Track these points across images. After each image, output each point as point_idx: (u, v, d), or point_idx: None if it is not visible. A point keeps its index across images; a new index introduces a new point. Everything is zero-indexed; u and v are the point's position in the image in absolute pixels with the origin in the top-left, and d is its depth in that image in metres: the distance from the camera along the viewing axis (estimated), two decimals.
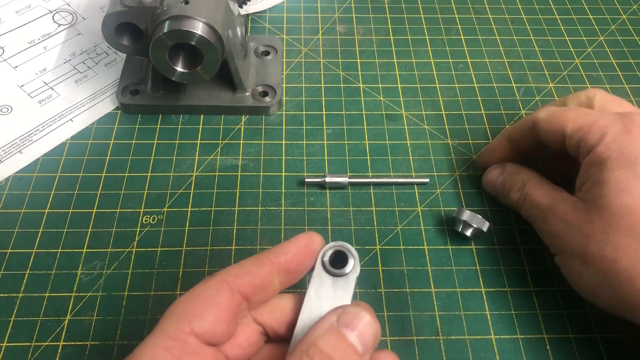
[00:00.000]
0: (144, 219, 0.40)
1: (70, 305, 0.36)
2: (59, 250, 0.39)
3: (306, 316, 0.28)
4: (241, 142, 0.46)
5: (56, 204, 0.41)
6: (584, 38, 0.56)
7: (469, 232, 0.39)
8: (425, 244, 0.40)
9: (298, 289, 0.34)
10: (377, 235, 0.40)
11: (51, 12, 0.55)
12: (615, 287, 0.31)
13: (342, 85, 0.50)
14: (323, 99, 0.49)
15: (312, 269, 0.29)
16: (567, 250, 0.34)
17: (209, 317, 0.26)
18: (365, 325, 0.25)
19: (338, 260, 0.30)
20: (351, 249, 0.30)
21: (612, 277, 0.31)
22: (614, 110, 0.36)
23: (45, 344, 0.35)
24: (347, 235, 0.40)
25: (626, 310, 0.32)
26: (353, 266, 0.29)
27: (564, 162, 0.39)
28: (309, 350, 0.24)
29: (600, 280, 0.32)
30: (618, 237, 0.31)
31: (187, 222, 0.40)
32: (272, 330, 0.29)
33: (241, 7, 0.49)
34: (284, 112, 0.48)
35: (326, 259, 0.29)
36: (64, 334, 0.35)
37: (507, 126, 0.47)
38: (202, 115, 0.47)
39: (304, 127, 0.47)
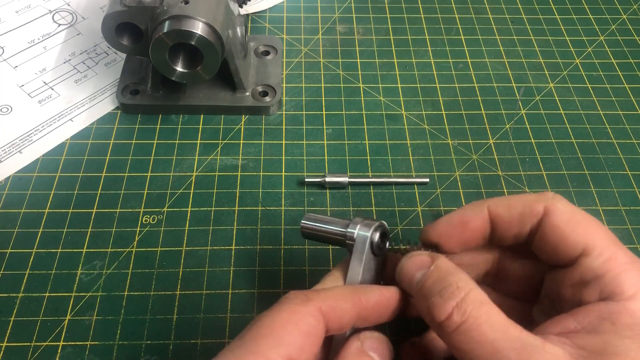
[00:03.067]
0: (144, 219, 0.40)
1: (70, 305, 0.36)
2: (59, 250, 0.39)
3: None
4: (241, 142, 0.46)
5: (56, 204, 0.41)
6: (584, 38, 0.56)
7: None
8: None
9: None
10: None
11: (51, 12, 0.54)
12: None
13: (342, 85, 0.50)
14: (323, 99, 0.49)
15: (351, 252, 0.29)
16: None
17: (307, 350, 0.24)
18: (384, 347, 0.27)
19: (380, 240, 0.30)
20: (385, 225, 0.30)
21: None
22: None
23: (45, 344, 0.35)
24: None
25: None
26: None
27: (511, 264, 0.31)
28: None
29: None
30: None
31: (187, 222, 0.40)
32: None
33: (241, 7, 0.49)
34: (284, 112, 0.48)
35: (375, 241, 0.29)
36: (63, 334, 0.35)
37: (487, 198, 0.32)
38: (202, 115, 0.47)
39: (304, 127, 0.47)
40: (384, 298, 0.28)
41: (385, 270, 0.32)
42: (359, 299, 0.27)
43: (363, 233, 0.29)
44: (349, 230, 0.30)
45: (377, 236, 0.29)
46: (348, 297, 0.27)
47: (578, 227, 0.27)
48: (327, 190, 0.43)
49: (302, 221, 0.32)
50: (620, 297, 0.25)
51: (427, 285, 0.26)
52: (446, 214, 0.41)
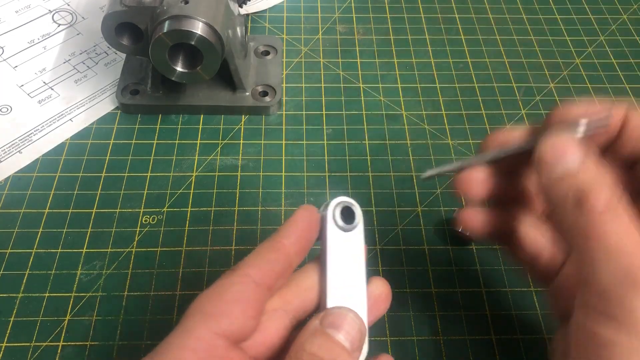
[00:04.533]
0: (143, 219, 0.40)
1: (70, 305, 0.36)
2: (59, 250, 0.39)
3: (335, 280, 0.28)
4: (241, 142, 0.46)
5: (56, 204, 0.41)
6: (584, 38, 0.56)
7: (469, 232, 0.39)
8: (425, 244, 0.40)
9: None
10: (377, 235, 0.40)
11: (51, 12, 0.54)
12: None
13: (342, 85, 0.50)
14: (323, 99, 0.49)
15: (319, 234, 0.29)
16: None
17: (238, 316, 0.25)
18: (349, 323, 0.26)
19: (344, 216, 0.30)
20: (352, 200, 0.30)
21: None
22: None
23: (45, 344, 0.35)
24: None
25: None
26: (360, 216, 0.30)
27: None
28: (297, 354, 0.24)
29: None
30: None
31: (187, 222, 0.40)
32: (303, 313, 0.28)
33: (241, 7, 0.49)
34: (284, 112, 0.48)
35: (337, 217, 0.29)
36: (63, 334, 0.35)
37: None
38: (202, 115, 0.47)
39: (304, 127, 0.47)
40: (303, 226, 0.28)
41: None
42: (280, 242, 0.27)
43: (324, 212, 0.30)
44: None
45: (337, 212, 0.29)
46: (272, 248, 0.27)
47: None
48: (327, 191, 0.43)
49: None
50: None
51: (585, 175, 0.25)
52: (447, 212, 0.41)
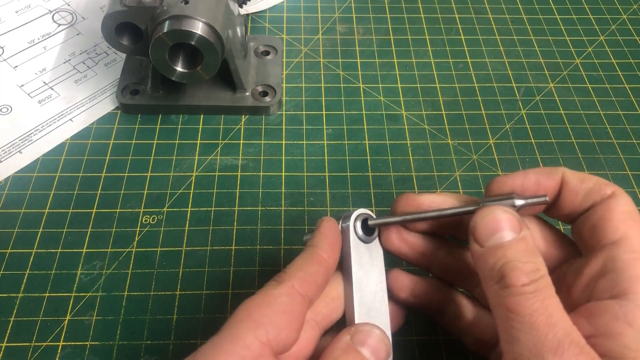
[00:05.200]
0: (143, 219, 0.40)
1: (70, 305, 0.36)
2: (59, 250, 0.39)
3: (360, 292, 0.29)
4: (241, 142, 0.46)
5: (56, 204, 0.41)
6: (584, 38, 0.56)
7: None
8: None
9: None
10: None
11: (51, 12, 0.54)
12: None
13: (342, 85, 0.50)
14: (323, 99, 0.49)
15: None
16: None
17: (285, 327, 0.25)
18: (377, 341, 0.27)
19: (364, 228, 0.30)
20: (370, 212, 0.31)
21: None
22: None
23: (45, 344, 0.35)
24: None
25: None
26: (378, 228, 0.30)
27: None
28: None
29: None
30: None
31: (187, 222, 0.40)
32: (330, 322, 0.29)
33: (241, 7, 0.49)
34: (284, 112, 0.48)
35: (358, 229, 0.30)
36: (63, 334, 0.35)
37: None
38: (202, 115, 0.47)
39: (304, 127, 0.47)
40: (332, 237, 0.29)
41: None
42: (319, 255, 0.28)
43: (345, 224, 0.30)
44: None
45: (358, 225, 0.30)
46: (313, 261, 0.28)
47: (627, 218, 0.26)
48: (327, 191, 0.43)
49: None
50: (635, 295, 0.24)
51: (513, 250, 0.26)
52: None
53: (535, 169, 0.30)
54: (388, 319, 0.29)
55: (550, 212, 0.30)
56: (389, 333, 0.28)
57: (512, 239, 0.26)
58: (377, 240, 0.31)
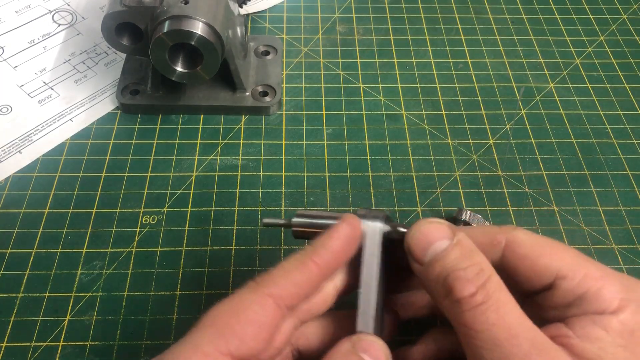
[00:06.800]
0: (144, 219, 0.40)
1: (70, 305, 0.36)
2: (59, 250, 0.39)
3: (364, 300, 0.27)
4: (241, 142, 0.46)
5: (56, 204, 0.41)
6: (584, 38, 0.56)
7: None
8: None
9: None
10: None
11: (51, 12, 0.54)
12: None
13: (342, 85, 0.50)
14: (323, 99, 0.49)
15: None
16: None
17: (250, 339, 0.24)
18: (377, 350, 0.26)
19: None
20: (389, 227, 0.28)
21: None
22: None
23: (45, 344, 0.35)
24: None
25: None
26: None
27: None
28: None
29: None
30: None
31: (187, 222, 0.40)
32: (310, 315, 0.28)
33: (241, 7, 0.49)
34: (284, 112, 0.48)
35: (379, 244, 0.27)
36: (63, 334, 0.35)
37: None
38: (202, 115, 0.47)
39: (304, 127, 0.47)
40: (339, 245, 0.27)
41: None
42: (310, 261, 0.26)
43: (373, 224, 0.27)
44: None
45: (388, 227, 0.27)
46: (303, 269, 0.26)
47: (544, 252, 0.26)
48: (327, 191, 0.43)
49: (293, 219, 0.29)
50: (606, 311, 0.25)
51: (450, 258, 0.25)
52: (447, 212, 0.42)
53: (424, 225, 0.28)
54: (381, 325, 0.28)
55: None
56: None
57: (446, 246, 0.26)
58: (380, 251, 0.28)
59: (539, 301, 0.27)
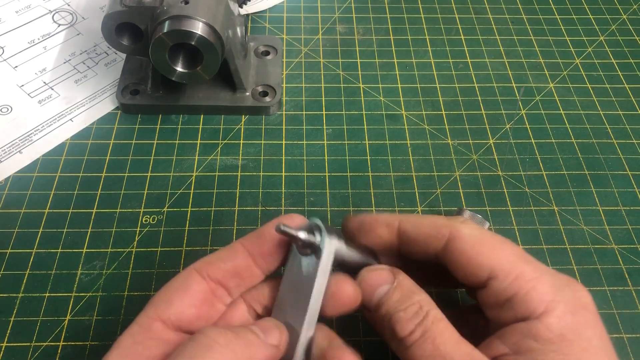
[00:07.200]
0: (144, 219, 0.40)
1: (70, 305, 0.36)
2: (59, 250, 0.39)
3: (282, 295, 0.29)
4: (241, 142, 0.46)
5: (56, 204, 0.41)
6: (584, 38, 0.56)
7: None
8: None
9: None
10: None
11: (51, 12, 0.55)
12: None
13: (342, 85, 0.50)
14: (323, 99, 0.49)
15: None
16: None
17: (176, 303, 0.27)
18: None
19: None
20: (320, 225, 0.27)
21: None
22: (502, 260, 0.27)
23: (45, 344, 0.35)
24: None
25: None
26: (321, 245, 0.27)
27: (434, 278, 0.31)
28: None
29: None
30: None
31: (187, 222, 0.40)
32: (264, 310, 0.29)
33: (241, 7, 0.49)
34: (284, 112, 0.48)
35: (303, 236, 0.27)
36: (63, 334, 0.35)
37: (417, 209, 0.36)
38: (202, 115, 0.47)
39: (304, 127, 0.47)
40: (270, 228, 0.28)
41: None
42: (240, 244, 0.28)
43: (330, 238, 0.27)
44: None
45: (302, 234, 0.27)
46: (228, 248, 0.29)
47: (483, 250, 0.27)
48: (327, 191, 0.43)
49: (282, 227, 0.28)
50: (534, 314, 0.25)
51: (391, 301, 0.27)
52: (447, 212, 0.42)
53: (377, 215, 0.30)
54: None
55: (407, 257, 0.30)
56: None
57: (387, 290, 0.27)
58: (319, 262, 0.27)
59: (479, 298, 0.28)
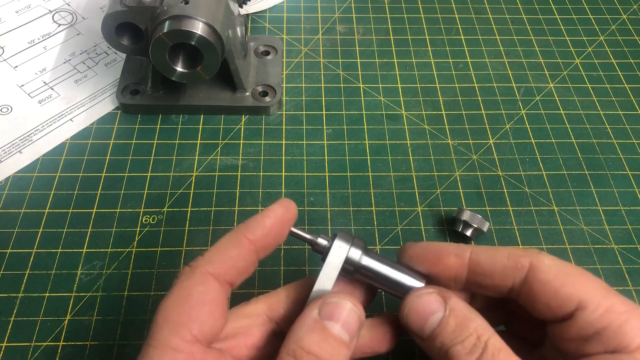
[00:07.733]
0: (144, 219, 0.40)
1: (70, 305, 0.36)
2: (59, 250, 0.39)
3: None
4: (241, 142, 0.46)
5: (56, 204, 0.41)
6: (584, 38, 0.56)
7: (469, 232, 0.39)
8: None
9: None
10: (377, 235, 0.40)
11: (51, 12, 0.54)
12: None
13: (342, 85, 0.50)
14: (323, 99, 0.49)
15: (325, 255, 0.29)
16: None
17: (207, 319, 0.25)
18: (348, 313, 0.25)
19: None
20: (338, 233, 0.29)
21: None
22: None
23: (45, 344, 0.35)
24: None
25: None
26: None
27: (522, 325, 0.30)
28: (295, 353, 0.24)
29: None
30: None
31: (187, 222, 0.40)
32: (289, 323, 0.28)
33: (241, 7, 0.49)
34: (284, 112, 0.48)
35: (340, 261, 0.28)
36: (63, 334, 0.35)
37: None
38: (202, 115, 0.47)
39: (304, 127, 0.47)
40: (272, 223, 0.27)
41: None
42: (244, 237, 0.27)
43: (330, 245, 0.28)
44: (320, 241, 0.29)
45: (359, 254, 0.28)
46: (236, 243, 0.27)
47: (569, 280, 0.26)
48: (327, 191, 0.43)
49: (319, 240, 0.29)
50: (627, 349, 0.24)
51: (446, 332, 0.25)
52: (447, 212, 0.42)
53: (442, 243, 0.28)
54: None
55: (474, 292, 0.29)
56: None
57: (441, 319, 0.25)
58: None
59: (558, 331, 0.26)
